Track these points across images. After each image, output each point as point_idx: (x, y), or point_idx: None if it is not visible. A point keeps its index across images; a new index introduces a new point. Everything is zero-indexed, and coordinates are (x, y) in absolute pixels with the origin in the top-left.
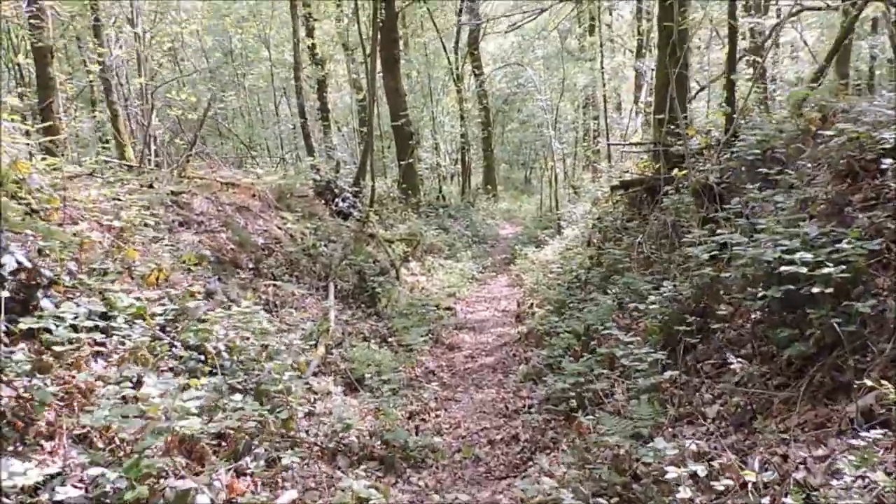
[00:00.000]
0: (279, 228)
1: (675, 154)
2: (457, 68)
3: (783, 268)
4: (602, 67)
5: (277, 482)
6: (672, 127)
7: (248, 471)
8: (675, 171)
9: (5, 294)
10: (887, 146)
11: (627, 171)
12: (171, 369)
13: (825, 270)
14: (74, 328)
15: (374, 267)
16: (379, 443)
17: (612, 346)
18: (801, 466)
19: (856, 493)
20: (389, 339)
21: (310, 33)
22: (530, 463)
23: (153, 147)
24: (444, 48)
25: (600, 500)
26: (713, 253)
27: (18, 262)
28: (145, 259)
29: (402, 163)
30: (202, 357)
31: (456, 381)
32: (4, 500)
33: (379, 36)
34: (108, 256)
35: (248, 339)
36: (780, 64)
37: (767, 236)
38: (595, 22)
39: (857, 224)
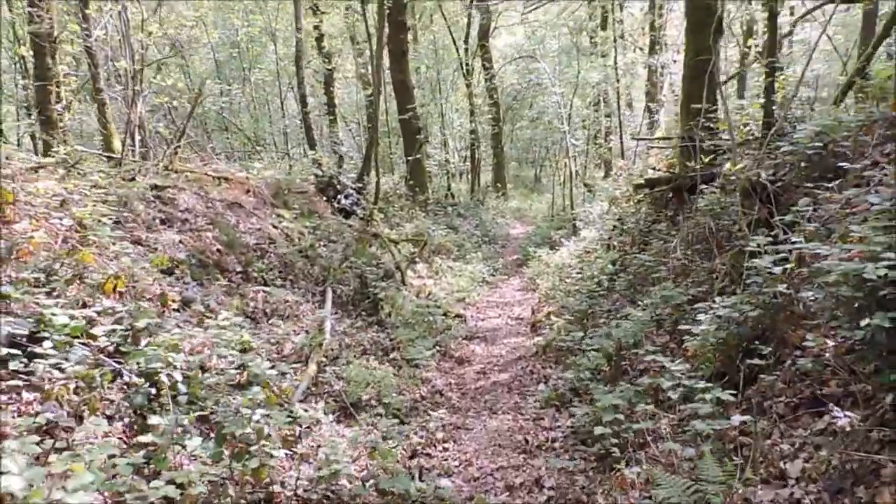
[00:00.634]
0: (274, 227)
1: (707, 150)
2: (466, 62)
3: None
4: (616, 63)
5: None
6: (703, 120)
7: None
8: (727, 166)
9: None
10: None
11: (653, 168)
12: (113, 404)
13: None
14: None
15: (378, 270)
16: (374, 492)
17: (655, 374)
18: None
19: None
20: (392, 353)
21: (316, 26)
22: None
23: (138, 137)
24: (454, 41)
25: None
26: (782, 265)
27: None
28: (106, 264)
29: (409, 159)
30: (157, 388)
31: (466, 402)
32: None
33: (386, 27)
34: (57, 261)
35: (225, 357)
36: (795, 63)
37: (856, 246)
38: (609, 14)
39: None
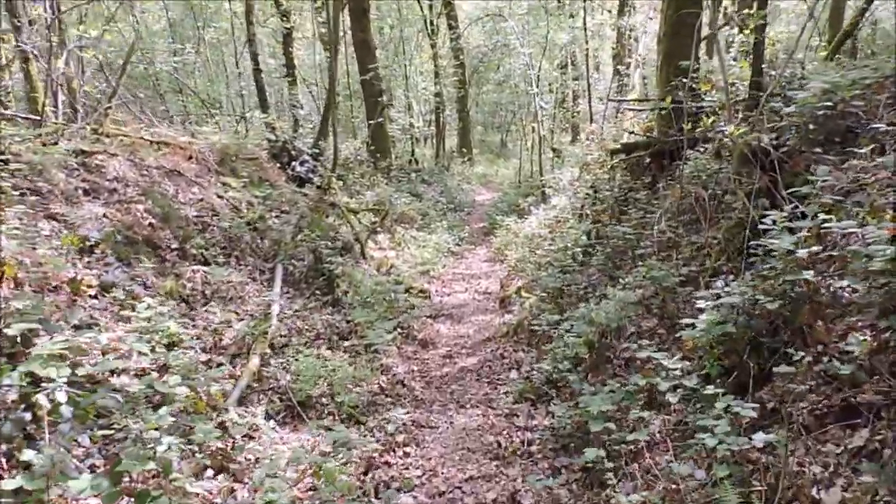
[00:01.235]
0: (219, 197)
1: (689, 112)
2: (431, 21)
3: None
4: (585, 24)
5: None
6: (684, 80)
7: None
8: (730, 129)
9: None
10: None
11: (630, 132)
12: None
13: None
14: None
15: (335, 243)
16: None
17: (645, 370)
18: None
19: None
20: (349, 338)
21: None
22: None
23: (62, 97)
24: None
25: None
26: (804, 246)
27: None
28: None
29: (371, 123)
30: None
31: (431, 394)
32: None
33: None
34: None
35: (147, 354)
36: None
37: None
38: None
39: None
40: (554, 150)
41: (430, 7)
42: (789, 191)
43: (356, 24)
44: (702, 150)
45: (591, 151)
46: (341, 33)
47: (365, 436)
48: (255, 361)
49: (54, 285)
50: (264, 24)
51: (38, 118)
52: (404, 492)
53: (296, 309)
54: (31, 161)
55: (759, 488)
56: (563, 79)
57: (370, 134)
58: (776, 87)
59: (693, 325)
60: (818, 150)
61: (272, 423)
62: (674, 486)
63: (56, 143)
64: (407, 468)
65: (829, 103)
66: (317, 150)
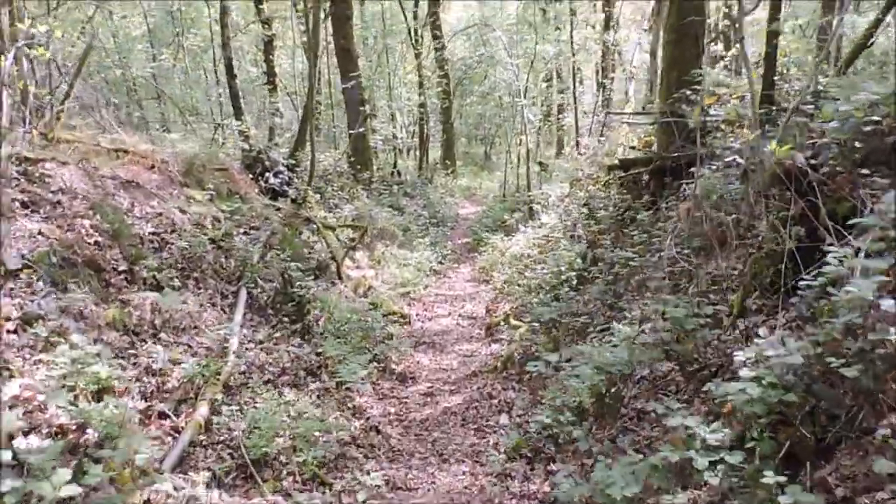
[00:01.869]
0: (181, 212)
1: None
2: (416, 29)
3: None
4: (571, 37)
5: None
6: (687, 93)
7: None
8: (772, 145)
9: None
10: None
11: (632, 147)
12: None
13: None
14: None
15: (309, 261)
16: None
17: (679, 441)
18: None
19: None
20: (318, 373)
21: None
22: None
23: (7, 99)
24: (402, 7)
25: None
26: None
27: None
28: None
29: (352, 133)
30: None
31: (410, 443)
32: None
33: None
34: None
35: (65, 407)
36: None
37: None
38: None
39: None
40: (540, 163)
41: (415, 15)
42: (851, 221)
43: (338, 32)
44: (713, 167)
45: (581, 167)
46: (323, 42)
47: None
48: (202, 410)
49: None
50: (245, 31)
51: None
52: None
53: (259, 339)
54: None
55: None
56: (548, 92)
57: (351, 144)
58: (801, 100)
59: (730, 377)
60: (866, 171)
61: (217, 492)
62: None
63: None
64: None
65: (874, 118)
66: (293, 161)
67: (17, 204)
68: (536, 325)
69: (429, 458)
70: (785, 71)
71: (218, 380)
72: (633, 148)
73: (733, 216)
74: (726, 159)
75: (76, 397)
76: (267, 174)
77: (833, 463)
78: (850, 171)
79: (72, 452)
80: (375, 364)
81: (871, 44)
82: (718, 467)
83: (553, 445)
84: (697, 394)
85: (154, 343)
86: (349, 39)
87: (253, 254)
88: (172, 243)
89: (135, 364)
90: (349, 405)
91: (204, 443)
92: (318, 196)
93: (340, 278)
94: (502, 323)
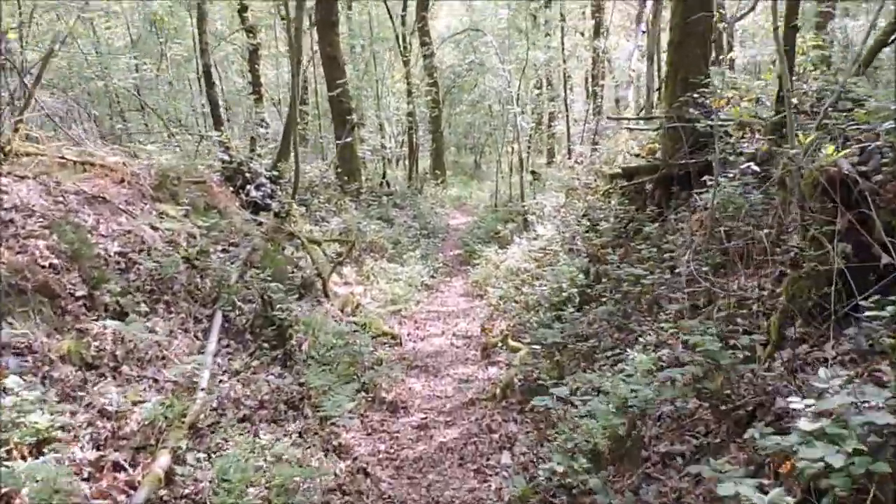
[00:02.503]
0: (153, 228)
1: (704, 132)
2: (404, 35)
3: None
4: (563, 43)
5: None
6: (696, 96)
7: None
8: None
9: None
10: None
11: (637, 154)
12: None
13: None
14: None
15: (292, 280)
16: None
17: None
18: None
19: None
20: (300, 406)
21: None
22: None
23: None
24: (390, 13)
25: None
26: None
27: None
28: None
29: (339, 143)
30: None
31: (402, 488)
32: None
33: None
34: None
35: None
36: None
37: None
38: None
39: None
40: (533, 172)
41: (403, 21)
42: None
43: (324, 39)
44: (728, 175)
45: (578, 175)
46: (309, 50)
47: None
48: (163, 460)
49: None
50: (229, 39)
51: None
52: None
53: (235, 369)
54: None
55: None
56: (539, 99)
57: (338, 155)
58: (834, 101)
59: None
60: None
61: None
62: None
63: None
64: None
65: None
66: (276, 173)
67: None
68: (538, 347)
69: None
70: (802, 71)
71: (183, 422)
72: (636, 155)
73: (764, 230)
74: (741, 167)
75: (9, 453)
76: (248, 186)
77: None
78: None
79: None
80: (364, 394)
81: (893, 41)
82: None
83: (566, 496)
84: (731, 437)
85: (114, 378)
86: (335, 47)
87: (231, 273)
88: (141, 263)
89: (88, 405)
90: (334, 443)
91: (165, 498)
92: (303, 209)
93: (327, 296)
94: (500, 344)
